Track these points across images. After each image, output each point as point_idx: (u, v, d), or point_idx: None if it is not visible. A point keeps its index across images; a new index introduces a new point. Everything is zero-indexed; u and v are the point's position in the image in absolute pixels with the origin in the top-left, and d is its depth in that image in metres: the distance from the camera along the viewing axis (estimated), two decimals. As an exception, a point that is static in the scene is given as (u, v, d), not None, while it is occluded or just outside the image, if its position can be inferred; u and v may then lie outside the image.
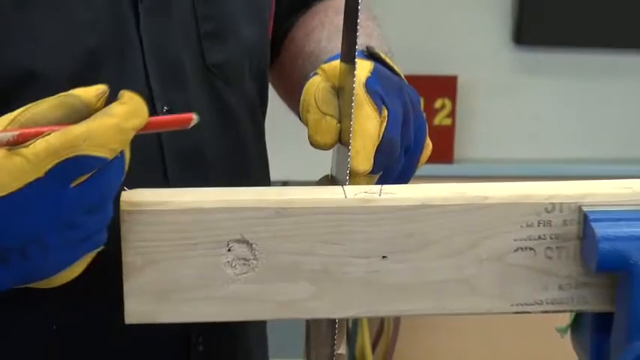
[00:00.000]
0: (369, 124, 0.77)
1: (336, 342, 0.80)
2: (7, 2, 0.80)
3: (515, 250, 0.74)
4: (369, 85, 0.79)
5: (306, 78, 0.83)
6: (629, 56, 2.72)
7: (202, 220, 0.71)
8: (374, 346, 2.70)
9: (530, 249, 0.74)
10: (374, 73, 0.81)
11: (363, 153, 0.77)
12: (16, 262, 0.66)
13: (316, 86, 0.80)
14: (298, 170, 2.19)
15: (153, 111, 0.87)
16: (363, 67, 0.81)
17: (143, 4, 0.87)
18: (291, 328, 2.13)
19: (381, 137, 0.78)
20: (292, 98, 1.07)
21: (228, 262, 0.72)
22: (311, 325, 0.84)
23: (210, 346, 0.94)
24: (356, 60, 0.75)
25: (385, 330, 2.68)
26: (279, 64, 1.11)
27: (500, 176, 2.57)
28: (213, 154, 0.93)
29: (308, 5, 1.10)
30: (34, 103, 0.66)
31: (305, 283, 0.73)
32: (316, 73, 0.83)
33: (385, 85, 0.81)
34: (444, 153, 2.67)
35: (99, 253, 0.70)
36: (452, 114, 2.68)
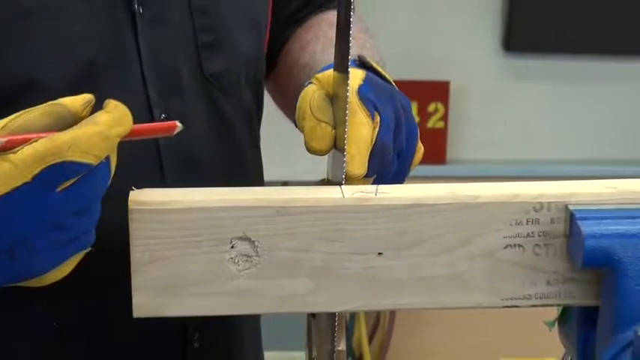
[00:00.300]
0: (362, 130, 0.77)
1: (336, 338, 0.80)
2: (7, 12, 0.80)
3: (505, 247, 0.74)
4: (361, 92, 0.79)
5: (302, 87, 0.83)
6: (615, 62, 2.73)
7: (207, 218, 0.71)
8: (370, 339, 2.70)
9: (519, 246, 0.74)
10: (366, 80, 0.81)
11: (357, 158, 0.77)
12: (4, 262, 0.66)
13: (311, 94, 0.80)
14: (298, 171, 2.19)
15: (151, 119, 0.87)
16: (356, 76, 0.81)
17: (142, 15, 0.87)
18: (290, 322, 2.14)
19: (374, 142, 0.78)
20: (289, 107, 1.07)
21: (231, 258, 0.72)
22: (311, 321, 0.84)
23: (206, 342, 0.94)
24: (349, 69, 0.75)
25: (381, 323, 2.68)
26: (276, 75, 1.10)
27: (491, 176, 2.57)
28: (210, 160, 0.93)
29: (303, 19, 1.10)
30: (24, 111, 0.67)
31: (304, 278, 0.73)
32: (311, 82, 0.82)
33: (377, 92, 0.81)
34: (436, 155, 2.67)
35: (99, 251, 0.70)
36: (444, 117, 2.68)
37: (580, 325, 0.76)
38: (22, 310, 0.85)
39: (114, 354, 0.90)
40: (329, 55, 0.95)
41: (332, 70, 0.81)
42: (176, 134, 0.71)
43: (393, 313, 2.64)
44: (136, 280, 0.72)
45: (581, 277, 0.74)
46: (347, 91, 0.75)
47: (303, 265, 0.73)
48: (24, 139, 0.65)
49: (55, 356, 0.88)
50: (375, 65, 0.86)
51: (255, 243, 0.72)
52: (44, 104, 0.67)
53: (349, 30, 0.73)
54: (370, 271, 0.73)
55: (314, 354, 0.82)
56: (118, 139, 0.67)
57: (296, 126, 0.82)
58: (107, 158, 0.67)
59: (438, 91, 2.67)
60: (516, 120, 2.75)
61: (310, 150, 0.79)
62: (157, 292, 0.72)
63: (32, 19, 0.81)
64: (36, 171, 0.64)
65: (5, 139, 0.64)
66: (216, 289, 0.73)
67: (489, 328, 2.66)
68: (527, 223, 0.73)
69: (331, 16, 1.06)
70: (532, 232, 0.73)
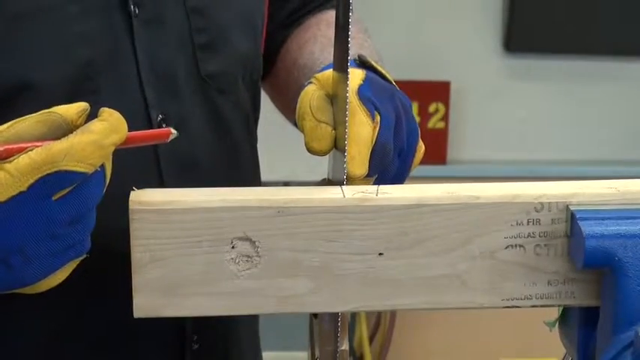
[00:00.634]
0: (362, 130, 0.77)
1: (338, 338, 0.80)
2: (2, 14, 0.80)
3: (506, 248, 0.74)
4: (361, 92, 0.79)
5: (301, 87, 0.83)
6: (615, 62, 2.72)
7: (207, 218, 0.71)
8: (371, 340, 2.70)
9: (520, 246, 0.74)
10: (366, 80, 0.81)
11: (358, 158, 0.76)
12: (0, 271, 0.66)
13: (311, 95, 0.80)
14: (299, 171, 2.19)
15: (148, 120, 0.87)
16: (356, 76, 0.80)
17: (138, 16, 0.87)
18: (291, 322, 2.14)
19: (374, 142, 0.78)
20: (287, 107, 1.07)
21: (232, 258, 0.72)
22: (314, 322, 0.84)
23: (205, 344, 0.94)
24: (348, 69, 0.75)
25: (382, 324, 2.68)
26: (274, 75, 1.10)
27: (491, 177, 2.57)
28: (207, 160, 0.93)
29: (301, 19, 1.09)
30: (17, 120, 0.67)
31: (305, 278, 0.73)
32: (311, 82, 0.82)
33: (377, 91, 0.81)
34: (437, 155, 2.67)
35: (96, 253, 0.70)
36: (445, 118, 2.68)
37: (580, 325, 0.76)
38: (20, 312, 0.85)
39: (113, 356, 0.90)
40: (328, 54, 0.95)
41: (331, 69, 0.81)
42: (171, 140, 0.71)
43: (393, 314, 2.64)
44: (137, 280, 0.72)
45: (581, 277, 0.74)
46: (347, 91, 0.75)
47: (304, 266, 0.73)
48: (19, 149, 0.65)
49: (53, 358, 0.88)
50: (374, 64, 0.86)
51: (256, 243, 0.72)
52: (38, 113, 0.67)
53: (348, 29, 0.73)
54: (371, 271, 0.73)
55: (316, 354, 0.82)
56: (113, 148, 0.67)
57: (295, 126, 0.82)
58: (102, 166, 0.67)
59: (439, 91, 2.67)
60: (517, 120, 2.75)
61: (311, 150, 0.78)
62: (158, 292, 0.72)
63: (27, 20, 0.81)
64: (32, 180, 0.64)
65: (1, 149, 0.65)
66: (216, 290, 0.73)
67: (490, 329, 2.66)
68: (527, 224, 0.73)
69: (329, 16, 1.06)
70: (533, 233, 0.73)
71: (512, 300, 0.75)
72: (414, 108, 2.55)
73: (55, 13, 0.82)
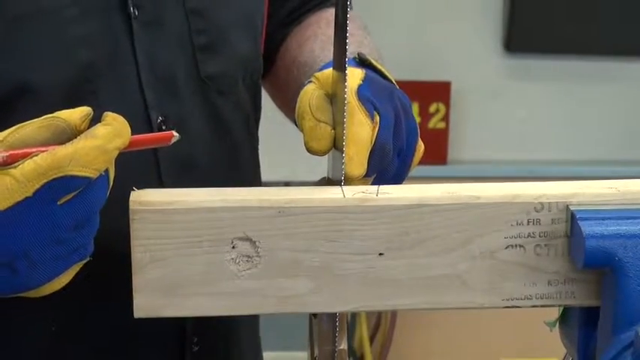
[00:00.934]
0: (361, 131, 0.77)
1: (337, 338, 0.80)
2: (2, 16, 0.80)
3: (506, 248, 0.74)
4: (360, 92, 0.79)
5: (301, 86, 0.83)
6: (616, 62, 2.72)
7: (207, 218, 0.71)
8: (371, 340, 2.70)
9: (520, 246, 0.74)
10: (365, 80, 0.81)
11: (356, 159, 0.76)
12: (5, 275, 0.66)
13: (310, 94, 0.79)
14: (300, 172, 2.19)
15: (147, 121, 0.87)
16: (355, 75, 0.80)
17: (137, 18, 0.87)
18: (291, 322, 2.14)
19: (373, 142, 0.78)
20: (287, 105, 1.07)
21: (232, 258, 0.72)
22: (313, 322, 0.84)
23: (205, 346, 0.94)
24: (347, 68, 0.75)
25: (382, 324, 2.68)
26: (274, 74, 1.10)
27: (492, 177, 2.57)
28: (207, 161, 0.92)
29: (301, 17, 1.09)
30: (20, 125, 0.67)
31: (305, 279, 0.73)
32: (310, 81, 0.82)
33: (376, 91, 0.81)
34: (437, 155, 2.67)
35: (99, 255, 0.70)
36: (445, 118, 2.67)
37: (581, 325, 0.76)
38: (22, 315, 0.85)
39: (112, 356, 0.90)
40: (328, 52, 0.95)
41: (331, 68, 0.81)
42: (173, 143, 0.71)
43: (394, 314, 2.63)
44: (137, 280, 0.72)
45: (581, 277, 0.74)
46: (345, 92, 0.75)
47: (304, 266, 0.73)
48: (24, 154, 0.65)
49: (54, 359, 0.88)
50: (374, 62, 0.86)
51: (256, 243, 0.72)
52: (42, 118, 0.67)
53: (346, 29, 0.73)
54: (371, 271, 0.73)
55: (315, 353, 0.82)
56: (117, 152, 0.67)
57: (295, 125, 0.82)
58: (106, 171, 0.67)
59: (439, 91, 2.66)
60: (517, 120, 2.75)
61: (310, 150, 0.78)
62: (158, 292, 0.72)
63: (27, 22, 0.80)
64: (37, 185, 0.64)
65: (6, 154, 0.65)
66: (217, 290, 0.72)
67: (490, 329, 2.66)
68: (528, 224, 0.73)
69: (329, 14, 1.06)
70: (533, 233, 0.73)
71: (512, 300, 0.75)
72: (415, 108, 2.55)
73: (55, 15, 0.82)
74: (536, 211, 0.73)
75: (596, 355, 0.74)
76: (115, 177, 0.69)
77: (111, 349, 0.89)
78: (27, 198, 0.64)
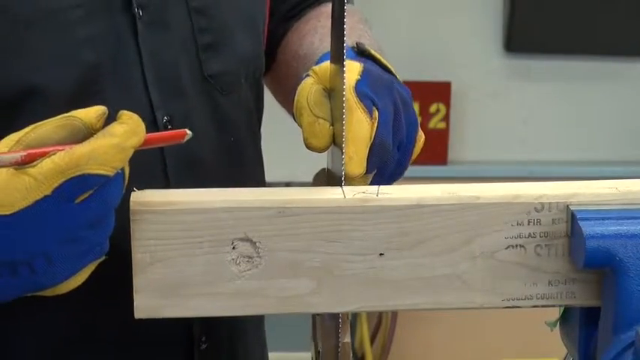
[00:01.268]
0: (360, 129, 0.77)
1: (340, 332, 0.80)
2: (8, 20, 0.80)
3: (507, 248, 0.73)
4: (358, 88, 0.79)
5: (299, 79, 0.83)
6: (614, 62, 2.72)
7: (208, 219, 0.71)
8: (372, 339, 2.70)
9: (521, 246, 0.73)
10: (363, 74, 0.80)
11: (356, 159, 0.76)
12: (25, 274, 0.66)
13: (308, 89, 0.79)
14: (301, 172, 2.19)
15: (153, 121, 0.87)
16: (353, 70, 0.80)
17: (141, 19, 0.87)
18: (294, 322, 2.13)
19: (372, 140, 0.77)
20: (288, 100, 1.07)
21: (233, 259, 0.72)
22: (316, 317, 0.84)
23: (213, 344, 0.94)
24: (345, 64, 0.74)
25: (383, 323, 2.68)
26: (275, 69, 1.10)
27: (492, 177, 2.57)
28: (211, 159, 0.92)
29: (301, 13, 1.09)
30: (37, 125, 0.67)
31: (305, 279, 0.73)
32: (308, 75, 0.82)
33: (375, 85, 0.80)
34: (438, 155, 2.67)
35: (108, 255, 0.70)
36: (446, 118, 2.68)
37: (581, 325, 0.76)
38: (31, 315, 0.85)
39: (120, 356, 0.90)
40: (327, 44, 0.94)
41: (329, 62, 0.80)
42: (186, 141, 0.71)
43: (395, 314, 2.63)
44: (138, 281, 0.72)
45: (582, 277, 0.74)
46: (343, 90, 0.74)
47: (305, 266, 0.73)
48: (42, 153, 0.65)
49: (62, 359, 0.88)
50: (373, 52, 0.86)
51: (257, 244, 0.72)
52: (58, 117, 0.68)
53: (343, 21, 0.73)
54: (371, 271, 0.73)
55: (319, 347, 0.82)
56: (133, 150, 0.68)
57: (294, 119, 0.82)
58: (122, 169, 0.68)
59: (440, 91, 2.66)
60: (517, 120, 2.75)
61: (309, 147, 0.78)
62: (159, 293, 0.72)
63: (33, 26, 0.80)
64: (56, 184, 0.65)
65: (24, 153, 0.65)
66: (217, 290, 0.72)
67: (491, 329, 2.66)
68: (528, 224, 0.73)
69: (329, 8, 1.06)
70: (533, 233, 0.73)
71: (512, 300, 0.75)
72: (415, 108, 2.55)
73: (61, 16, 0.82)
74: (537, 211, 0.73)
75: (597, 355, 0.74)
76: None
77: (119, 348, 0.89)
78: (46, 196, 0.64)
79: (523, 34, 2.65)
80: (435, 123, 2.67)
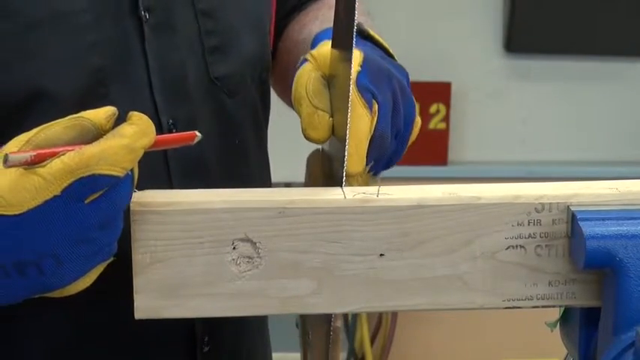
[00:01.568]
0: (360, 125, 0.76)
1: (333, 316, 0.80)
2: (17, 24, 0.80)
3: (507, 248, 0.73)
4: (359, 81, 0.78)
5: (297, 64, 0.82)
6: (615, 63, 2.72)
7: (208, 219, 0.71)
8: (372, 340, 2.70)
9: (521, 247, 0.74)
10: (363, 65, 0.80)
11: (356, 156, 0.76)
12: (33, 275, 0.66)
13: (307, 77, 0.79)
14: (301, 172, 2.19)
15: (158, 124, 0.87)
16: (353, 60, 0.80)
17: (148, 22, 0.87)
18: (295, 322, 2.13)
19: (372, 133, 0.77)
20: (289, 92, 1.07)
21: (233, 259, 0.72)
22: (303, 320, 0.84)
23: (216, 346, 0.94)
24: (351, 58, 0.74)
25: (383, 324, 2.68)
26: (277, 61, 1.10)
27: (492, 178, 2.57)
28: (215, 162, 0.92)
29: (302, 7, 1.09)
30: (46, 125, 0.67)
31: (306, 279, 0.73)
32: (307, 60, 0.82)
33: (375, 76, 0.80)
34: (438, 156, 2.67)
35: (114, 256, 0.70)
36: (446, 118, 2.67)
37: (582, 326, 0.76)
38: (35, 317, 0.85)
39: (123, 357, 0.90)
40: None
41: (328, 47, 0.79)
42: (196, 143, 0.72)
43: (395, 314, 2.63)
44: (138, 281, 0.72)
45: (582, 277, 0.74)
46: (348, 83, 0.74)
47: (305, 267, 0.73)
48: (52, 153, 0.65)
49: None
50: (372, 33, 0.85)
51: (257, 244, 0.72)
52: (67, 117, 0.68)
53: (354, 11, 0.72)
54: (372, 272, 0.73)
55: (310, 336, 0.81)
56: (143, 151, 0.68)
57: (293, 108, 0.82)
58: (131, 170, 0.68)
59: (440, 92, 2.66)
60: (518, 121, 2.75)
61: (308, 138, 0.78)
62: (159, 293, 0.72)
63: (41, 29, 0.80)
64: (65, 184, 0.64)
65: (34, 153, 0.65)
66: (217, 291, 0.72)
67: (491, 329, 2.66)
68: (528, 224, 0.73)
69: (332, 1, 1.06)
70: (534, 233, 0.73)
71: (513, 300, 0.75)
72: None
73: (69, 21, 0.82)
74: (537, 212, 0.73)
75: (597, 355, 0.74)
76: None
77: (121, 349, 0.89)
78: (55, 197, 0.64)
79: (523, 34, 2.65)
80: (435, 123, 2.66)
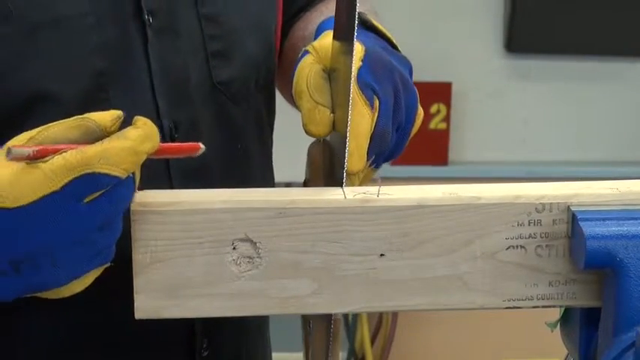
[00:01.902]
0: (361, 123, 0.76)
1: (331, 335, 0.80)
2: (20, 27, 0.80)
3: (507, 248, 0.73)
4: (360, 77, 0.78)
5: (299, 55, 0.82)
6: (615, 63, 2.72)
7: (208, 219, 0.71)
8: (373, 340, 2.70)
9: (521, 247, 0.73)
10: (364, 59, 0.80)
11: (356, 154, 0.76)
12: (27, 273, 0.66)
13: (308, 70, 0.78)
14: (301, 172, 2.18)
15: (159, 127, 0.87)
16: (355, 54, 0.79)
17: (151, 25, 0.86)
18: (297, 323, 2.13)
19: (373, 130, 0.77)
20: (290, 87, 1.06)
21: (233, 259, 0.72)
22: (307, 325, 0.84)
23: (215, 350, 0.93)
24: (352, 57, 0.73)
25: (384, 324, 2.68)
26: (282, 59, 1.09)
27: (493, 178, 2.57)
28: (218, 167, 0.92)
29: (308, 7, 1.09)
30: (50, 124, 0.67)
31: (306, 280, 0.73)
32: (308, 52, 0.81)
33: (376, 71, 0.79)
34: (438, 156, 2.67)
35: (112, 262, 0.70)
36: (446, 119, 2.67)
37: (582, 326, 0.76)
38: (32, 318, 0.85)
39: (122, 359, 0.90)
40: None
41: (330, 39, 0.79)
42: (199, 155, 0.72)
43: (395, 314, 2.63)
44: (138, 281, 0.72)
45: (583, 278, 0.74)
46: (349, 81, 0.73)
47: (305, 267, 0.73)
48: (54, 150, 0.65)
49: None
50: (375, 23, 0.85)
51: (257, 244, 0.72)
52: (72, 118, 0.68)
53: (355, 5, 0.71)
54: (372, 272, 0.73)
55: (311, 331, 0.81)
56: (146, 156, 0.68)
57: (294, 101, 0.81)
58: (133, 173, 0.68)
59: (440, 92, 2.66)
60: (518, 121, 2.75)
61: (308, 133, 0.78)
62: (159, 293, 0.72)
63: (45, 32, 0.80)
64: (65, 180, 0.64)
65: (37, 148, 0.65)
66: (217, 291, 0.72)
67: (491, 330, 2.66)
68: (529, 225, 0.73)
69: None
70: (534, 234, 0.73)
71: (513, 301, 0.75)
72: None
73: (73, 24, 0.82)
74: (538, 212, 0.73)
75: (597, 355, 0.74)
76: None
77: (119, 354, 0.89)
78: (54, 192, 0.64)
79: (523, 34, 2.65)
80: (436, 123, 2.66)
